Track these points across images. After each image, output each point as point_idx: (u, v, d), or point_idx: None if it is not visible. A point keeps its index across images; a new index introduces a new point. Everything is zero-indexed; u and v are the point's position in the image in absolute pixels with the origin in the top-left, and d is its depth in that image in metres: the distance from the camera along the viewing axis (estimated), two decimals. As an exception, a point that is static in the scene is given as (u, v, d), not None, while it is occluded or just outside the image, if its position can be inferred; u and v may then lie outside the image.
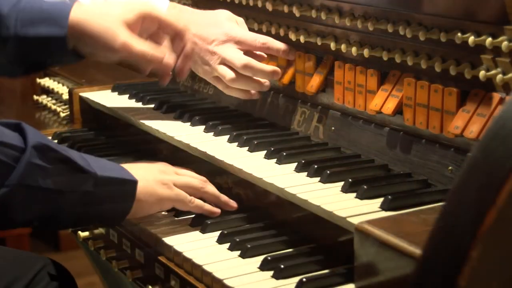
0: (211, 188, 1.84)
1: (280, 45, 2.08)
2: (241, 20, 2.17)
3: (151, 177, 1.73)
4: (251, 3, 2.18)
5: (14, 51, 1.74)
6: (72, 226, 1.72)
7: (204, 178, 1.85)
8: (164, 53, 1.83)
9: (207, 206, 1.80)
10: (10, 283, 1.84)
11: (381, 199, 1.59)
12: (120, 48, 1.80)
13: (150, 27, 1.91)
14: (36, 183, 1.52)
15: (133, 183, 1.67)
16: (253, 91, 2.12)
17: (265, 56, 2.12)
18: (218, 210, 1.81)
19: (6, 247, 2.01)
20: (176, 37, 1.94)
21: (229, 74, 2.08)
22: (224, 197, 1.84)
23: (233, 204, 1.85)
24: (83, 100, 2.50)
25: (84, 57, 1.85)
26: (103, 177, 1.61)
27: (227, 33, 2.09)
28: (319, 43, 1.98)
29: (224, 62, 2.09)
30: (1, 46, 1.73)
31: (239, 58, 2.07)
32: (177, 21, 1.91)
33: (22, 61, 1.77)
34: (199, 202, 1.79)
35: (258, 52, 2.12)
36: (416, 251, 1.29)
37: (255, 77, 2.09)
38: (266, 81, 2.11)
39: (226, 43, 2.08)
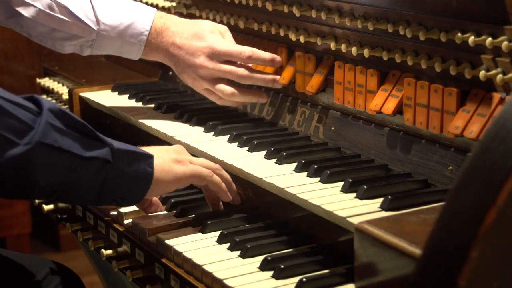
0: (225, 173, 1.84)
1: (265, 55, 2.09)
2: (224, 29, 2.17)
3: (166, 156, 1.74)
4: (251, 3, 2.18)
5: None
6: (94, 201, 1.67)
7: (218, 165, 1.85)
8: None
9: (224, 185, 1.81)
10: None
11: (381, 199, 1.59)
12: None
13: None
14: (57, 143, 1.52)
15: (149, 157, 1.68)
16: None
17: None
18: (230, 197, 1.84)
19: (11, 251, 1.99)
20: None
21: (228, 89, 2.10)
22: (235, 188, 1.86)
23: (238, 201, 1.87)
24: (83, 100, 2.50)
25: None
26: (120, 149, 1.62)
27: (212, 46, 2.09)
28: (319, 43, 1.98)
29: (218, 76, 2.10)
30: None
31: (236, 69, 2.09)
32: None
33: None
34: (216, 178, 1.80)
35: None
36: (416, 251, 1.29)
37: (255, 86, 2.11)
38: (264, 94, 2.13)
39: (212, 57, 2.09)
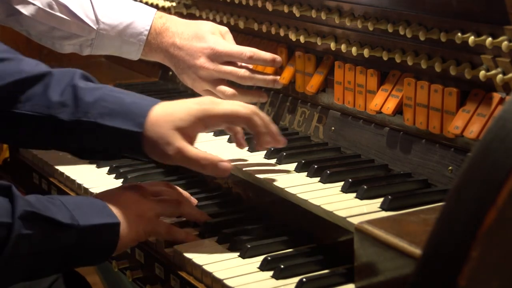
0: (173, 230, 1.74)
1: (266, 56, 2.09)
2: (225, 30, 2.16)
3: (130, 213, 1.65)
4: (251, 3, 2.18)
5: (87, 137, 1.72)
6: (53, 274, 1.71)
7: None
8: (218, 158, 1.69)
9: (181, 236, 1.72)
10: None
11: (381, 199, 1.59)
12: (174, 155, 1.68)
13: (215, 124, 1.76)
14: (25, 251, 1.49)
15: (115, 225, 1.61)
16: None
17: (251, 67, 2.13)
18: (191, 238, 1.73)
19: None
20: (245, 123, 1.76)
21: (228, 90, 2.09)
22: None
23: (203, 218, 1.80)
24: (83, 100, 2.49)
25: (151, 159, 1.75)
26: (86, 227, 1.56)
27: (213, 47, 2.08)
28: (319, 43, 1.98)
29: (218, 77, 2.09)
30: (74, 129, 1.72)
31: (237, 70, 2.08)
32: (238, 110, 1.73)
33: (93, 148, 1.75)
34: (174, 235, 1.72)
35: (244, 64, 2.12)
36: (416, 251, 1.29)
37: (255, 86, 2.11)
38: (264, 94, 2.13)
39: (213, 58, 2.08)
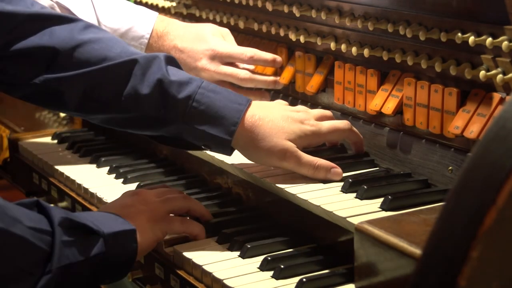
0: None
1: (267, 56, 2.09)
2: (226, 31, 2.17)
3: (142, 219, 1.65)
4: (251, 3, 2.18)
5: (173, 131, 1.74)
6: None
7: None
8: (324, 163, 1.72)
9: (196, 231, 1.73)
10: None
11: (381, 199, 1.59)
12: (280, 156, 1.72)
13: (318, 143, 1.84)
14: (69, 259, 1.49)
15: (132, 232, 1.60)
16: None
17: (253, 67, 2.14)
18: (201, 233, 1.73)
19: None
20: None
21: None
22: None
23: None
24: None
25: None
26: (110, 234, 1.55)
27: (214, 49, 2.09)
28: (319, 43, 1.98)
29: (219, 79, 2.09)
30: (162, 123, 1.73)
31: (237, 72, 2.08)
32: (338, 126, 1.81)
33: (179, 140, 1.77)
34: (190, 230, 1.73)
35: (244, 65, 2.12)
36: (416, 251, 1.29)
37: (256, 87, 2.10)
38: (266, 92, 2.13)
39: (214, 60, 2.08)
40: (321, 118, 1.81)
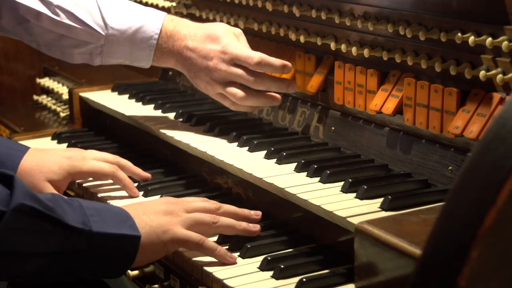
0: (225, 216, 1.70)
1: (275, 62, 2.00)
2: (238, 31, 2.09)
3: (154, 221, 1.60)
4: (251, 3, 2.18)
5: None
6: (64, 279, 1.58)
7: (216, 205, 1.72)
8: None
9: (222, 251, 1.63)
10: None
11: (381, 199, 1.59)
12: None
13: (82, 178, 1.99)
14: (15, 247, 1.45)
15: (134, 238, 1.55)
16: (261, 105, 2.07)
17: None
18: (231, 259, 1.63)
19: None
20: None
21: (239, 93, 2.02)
22: (243, 212, 1.74)
23: (255, 215, 1.75)
24: (83, 100, 2.50)
25: None
26: (99, 234, 1.51)
27: (225, 48, 2.01)
28: (319, 43, 1.98)
29: (230, 79, 2.02)
30: None
31: (247, 73, 2.01)
32: (102, 168, 1.94)
33: None
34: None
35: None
36: (416, 251, 1.29)
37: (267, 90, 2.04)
38: (277, 95, 2.05)
39: (225, 60, 2.01)
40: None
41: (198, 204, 1.69)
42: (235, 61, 2.01)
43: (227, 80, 2.03)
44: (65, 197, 1.56)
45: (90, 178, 2.00)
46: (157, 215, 1.61)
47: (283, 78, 2.05)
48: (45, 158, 1.88)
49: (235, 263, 1.61)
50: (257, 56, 2.00)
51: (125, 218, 1.57)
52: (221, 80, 2.03)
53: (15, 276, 1.53)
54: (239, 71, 2.01)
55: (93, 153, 1.96)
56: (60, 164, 1.88)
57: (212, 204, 1.72)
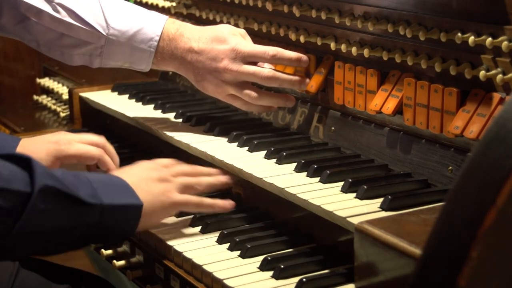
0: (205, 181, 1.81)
1: (291, 55, 2.00)
2: (243, 32, 2.09)
3: (155, 189, 1.68)
4: (251, 3, 2.18)
5: None
6: (71, 250, 1.65)
7: (190, 167, 1.83)
8: None
9: (220, 203, 1.76)
10: None
11: (381, 199, 1.59)
12: None
13: (70, 162, 1.94)
14: (41, 228, 1.50)
15: (137, 207, 1.63)
16: (274, 105, 2.07)
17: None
18: (229, 205, 1.76)
19: (32, 265, 1.94)
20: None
21: (253, 93, 2.02)
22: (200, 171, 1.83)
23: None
24: (83, 100, 2.50)
25: None
26: (109, 206, 1.57)
27: (236, 48, 2.00)
28: (319, 43, 1.98)
29: (242, 79, 2.01)
30: None
31: (261, 70, 2.00)
32: (89, 151, 1.92)
33: None
34: (207, 202, 1.75)
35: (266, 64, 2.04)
36: (416, 251, 1.29)
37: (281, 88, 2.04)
38: (291, 96, 2.05)
39: (236, 60, 2.00)
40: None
41: (179, 168, 1.80)
42: (248, 59, 2.00)
43: (239, 80, 2.02)
44: (71, 171, 1.60)
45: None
46: (153, 182, 1.69)
47: (296, 74, 2.04)
48: (34, 146, 1.87)
49: (234, 206, 1.76)
50: (272, 49, 2.00)
51: (125, 188, 1.64)
52: (232, 81, 2.02)
53: (35, 253, 1.60)
54: (252, 69, 2.00)
55: (80, 136, 1.95)
56: (47, 150, 1.87)
57: (187, 167, 1.82)
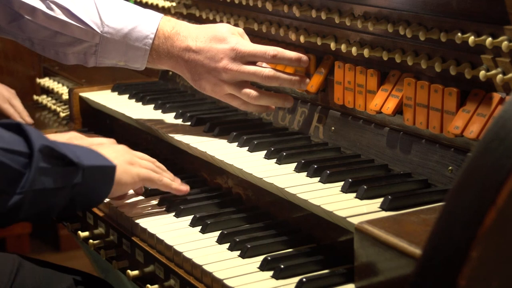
0: (166, 177, 1.91)
1: (291, 55, 1.99)
2: (242, 31, 2.08)
3: (121, 158, 1.80)
4: (251, 3, 2.18)
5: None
6: (58, 216, 1.80)
7: (162, 166, 1.94)
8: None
9: (175, 185, 1.90)
10: None
11: (381, 199, 1.59)
12: None
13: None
14: (43, 185, 1.58)
15: (112, 168, 1.74)
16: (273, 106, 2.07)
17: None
18: (185, 188, 1.92)
19: (32, 264, 1.94)
20: None
21: (252, 92, 2.01)
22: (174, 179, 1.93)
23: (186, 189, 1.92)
24: (83, 100, 2.50)
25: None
26: (89, 167, 1.66)
27: (236, 47, 1.99)
28: (319, 43, 1.98)
29: (241, 79, 2.01)
30: None
31: (261, 70, 1.99)
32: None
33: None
34: (166, 181, 1.88)
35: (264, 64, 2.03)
36: (416, 251, 1.29)
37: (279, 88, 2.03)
38: (290, 96, 2.04)
39: (236, 59, 1.99)
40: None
41: (148, 158, 1.92)
42: (248, 59, 1.99)
43: (238, 79, 2.01)
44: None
45: None
46: (122, 156, 1.82)
47: (295, 73, 2.03)
48: None
49: (188, 190, 1.91)
50: (272, 49, 1.99)
51: (96, 153, 1.73)
52: (231, 80, 2.01)
53: (36, 215, 1.63)
54: (252, 69, 1.99)
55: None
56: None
57: (155, 162, 1.93)
